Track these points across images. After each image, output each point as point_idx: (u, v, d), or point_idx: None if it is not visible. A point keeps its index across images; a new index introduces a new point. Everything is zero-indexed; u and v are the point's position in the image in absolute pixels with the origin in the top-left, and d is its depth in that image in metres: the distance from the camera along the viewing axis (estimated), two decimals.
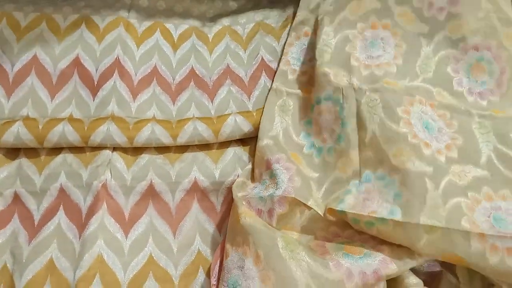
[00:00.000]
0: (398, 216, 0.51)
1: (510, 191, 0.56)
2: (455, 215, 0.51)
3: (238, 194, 0.56)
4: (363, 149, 0.58)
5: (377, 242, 0.52)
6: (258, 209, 0.54)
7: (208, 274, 0.54)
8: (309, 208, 0.54)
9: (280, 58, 0.70)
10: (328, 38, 0.67)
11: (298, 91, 0.66)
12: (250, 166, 0.61)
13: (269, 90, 0.66)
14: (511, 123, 0.62)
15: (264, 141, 0.60)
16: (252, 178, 0.60)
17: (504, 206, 0.55)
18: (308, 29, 0.71)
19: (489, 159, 0.59)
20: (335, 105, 0.61)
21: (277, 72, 0.67)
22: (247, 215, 0.51)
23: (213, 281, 0.50)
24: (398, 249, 0.51)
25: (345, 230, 0.55)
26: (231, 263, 0.49)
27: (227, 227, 0.54)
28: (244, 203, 0.53)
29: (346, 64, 0.64)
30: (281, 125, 0.63)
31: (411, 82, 0.63)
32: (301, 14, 0.72)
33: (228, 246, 0.51)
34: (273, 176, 0.56)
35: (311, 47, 0.69)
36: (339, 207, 0.53)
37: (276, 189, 0.54)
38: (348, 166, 0.58)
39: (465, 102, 0.63)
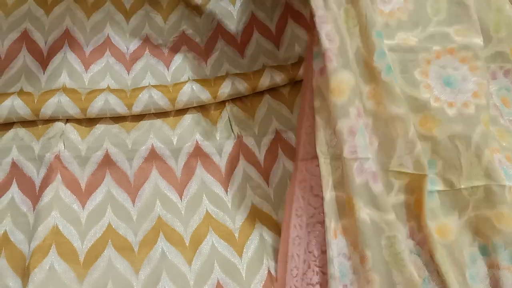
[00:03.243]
0: (439, 187, 0.51)
1: None
2: (493, 167, 0.51)
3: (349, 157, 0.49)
4: None
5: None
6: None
7: (169, 239, 0.53)
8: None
9: None
10: None
11: None
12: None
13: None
14: None
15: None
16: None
17: None
18: None
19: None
20: None
21: None
22: (361, 210, 0.47)
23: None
24: None
25: (420, 232, 0.51)
26: (337, 247, 0.48)
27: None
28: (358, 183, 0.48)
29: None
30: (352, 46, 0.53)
31: (424, 30, 0.59)
32: None
33: (333, 224, 0.48)
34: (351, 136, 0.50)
35: None
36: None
37: (366, 156, 0.50)
38: None
39: (480, 32, 0.59)
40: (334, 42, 0.51)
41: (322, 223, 0.49)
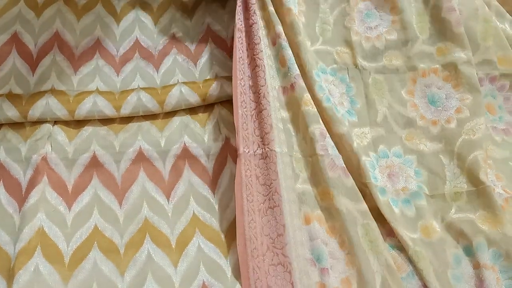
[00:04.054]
0: (425, 191, 0.55)
1: None
2: (474, 172, 0.54)
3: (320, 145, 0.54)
4: (375, 127, 0.60)
5: None
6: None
7: (155, 241, 0.52)
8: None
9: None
10: (325, 15, 0.67)
11: None
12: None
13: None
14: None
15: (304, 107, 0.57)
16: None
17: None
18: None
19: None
20: (341, 82, 0.63)
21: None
22: (337, 200, 0.51)
23: None
24: None
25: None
26: (314, 231, 0.51)
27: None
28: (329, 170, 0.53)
29: (347, 40, 0.65)
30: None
31: (412, 47, 0.64)
32: None
33: (308, 210, 0.52)
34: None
35: None
36: (373, 182, 0.54)
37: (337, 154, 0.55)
38: (364, 138, 0.60)
39: (466, 44, 0.63)
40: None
41: (273, 208, 0.51)
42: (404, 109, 0.61)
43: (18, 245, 0.49)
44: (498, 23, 0.65)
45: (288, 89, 0.59)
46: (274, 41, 0.62)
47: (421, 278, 0.48)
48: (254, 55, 0.60)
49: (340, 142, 0.56)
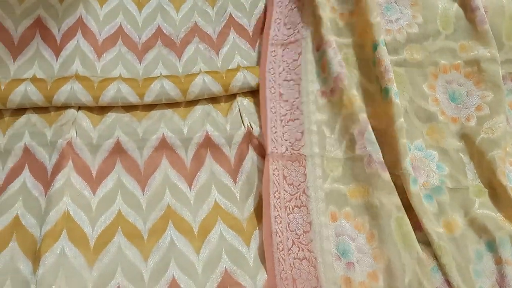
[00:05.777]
0: (448, 184, 0.55)
1: None
2: (491, 172, 0.55)
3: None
4: None
5: None
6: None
7: (178, 228, 0.53)
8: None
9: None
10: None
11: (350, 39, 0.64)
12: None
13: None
14: None
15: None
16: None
17: None
18: None
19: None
20: None
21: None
22: (372, 196, 0.52)
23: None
24: None
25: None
26: (341, 228, 0.51)
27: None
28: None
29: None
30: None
31: (434, 43, 0.64)
32: None
33: (331, 210, 0.53)
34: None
35: None
36: (408, 169, 0.53)
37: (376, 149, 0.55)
38: None
39: (490, 41, 0.62)
40: (343, 67, 0.60)
41: (300, 207, 0.53)
42: (426, 103, 0.61)
43: (44, 227, 0.50)
44: None
45: (328, 93, 0.60)
46: (319, 46, 0.63)
47: (444, 273, 0.49)
48: (290, 69, 0.63)
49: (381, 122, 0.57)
